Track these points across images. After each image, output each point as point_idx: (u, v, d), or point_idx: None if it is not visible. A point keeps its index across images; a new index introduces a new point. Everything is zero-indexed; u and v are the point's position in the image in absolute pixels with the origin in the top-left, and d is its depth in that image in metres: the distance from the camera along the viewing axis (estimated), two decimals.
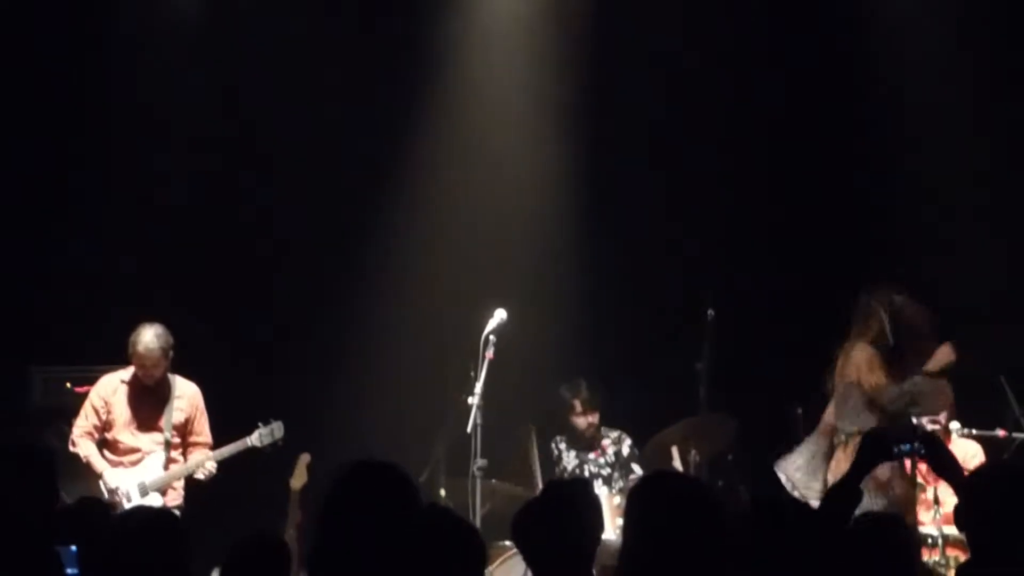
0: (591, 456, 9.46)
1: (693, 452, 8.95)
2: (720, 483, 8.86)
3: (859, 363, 8.01)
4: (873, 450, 4.89)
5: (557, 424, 9.61)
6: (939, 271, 9.16)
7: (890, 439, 5.03)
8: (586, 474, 9.35)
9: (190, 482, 8.68)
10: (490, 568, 8.32)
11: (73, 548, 4.81)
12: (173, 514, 5.02)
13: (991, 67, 9.81)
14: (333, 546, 4.13)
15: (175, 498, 8.58)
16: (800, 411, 8.72)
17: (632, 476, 9.30)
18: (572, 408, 9.44)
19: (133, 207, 10.27)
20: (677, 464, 9.00)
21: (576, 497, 5.02)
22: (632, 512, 4.20)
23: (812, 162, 10.26)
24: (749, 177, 10.32)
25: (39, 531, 4.89)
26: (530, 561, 4.85)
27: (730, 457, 9.10)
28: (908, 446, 4.78)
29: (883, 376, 7.92)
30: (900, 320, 8.01)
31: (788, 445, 8.74)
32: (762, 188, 10.32)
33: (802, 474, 8.04)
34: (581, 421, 9.42)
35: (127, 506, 8.39)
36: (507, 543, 8.31)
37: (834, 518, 4.64)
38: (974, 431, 8.23)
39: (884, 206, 10.11)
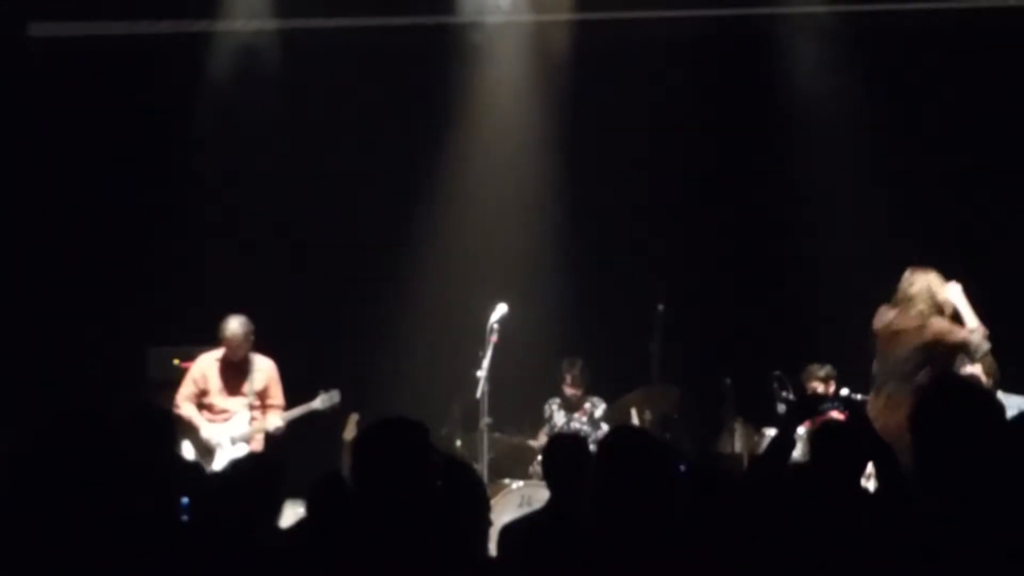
0: (575, 415, 10.04)
1: (647, 412, 9.54)
2: (667, 436, 9.21)
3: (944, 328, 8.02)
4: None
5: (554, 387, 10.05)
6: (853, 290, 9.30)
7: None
8: (571, 428, 9.75)
9: (267, 435, 9.24)
10: (493, 500, 7.52)
11: (185, 500, 4.82)
12: (276, 463, 5.21)
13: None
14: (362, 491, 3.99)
15: (257, 447, 9.10)
16: (729, 382, 9.41)
17: (599, 432, 9.65)
18: (564, 379, 10.03)
19: (222, 220, 10.95)
20: (635, 421, 9.52)
21: (577, 448, 5.71)
22: (602, 458, 4.32)
23: (749, 194, 10.76)
24: (698, 204, 10.85)
25: (162, 478, 4.89)
26: (551, 487, 5.56)
27: (676, 416, 9.60)
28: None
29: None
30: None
31: (720, 410, 9.40)
32: (709, 213, 10.82)
33: None
34: (569, 391, 10.06)
35: (220, 452, 9.05)
36: (506, 481, 9.03)
37: (770, 468, 4.68)
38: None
39: (803, 239, 10.53)
